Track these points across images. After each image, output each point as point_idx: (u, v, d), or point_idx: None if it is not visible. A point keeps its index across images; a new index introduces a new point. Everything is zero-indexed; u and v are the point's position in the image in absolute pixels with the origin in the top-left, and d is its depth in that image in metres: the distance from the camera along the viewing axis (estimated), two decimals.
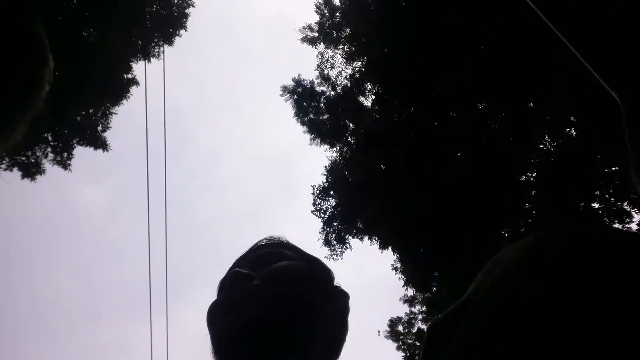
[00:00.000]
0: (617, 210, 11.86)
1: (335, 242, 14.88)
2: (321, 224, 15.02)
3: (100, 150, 14.49)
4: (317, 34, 15.39)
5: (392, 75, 12.25)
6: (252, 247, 1.07)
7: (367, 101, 14.81)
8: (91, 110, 14.28)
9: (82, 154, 14.44)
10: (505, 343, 0.46)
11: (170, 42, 14.82)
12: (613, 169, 11.38)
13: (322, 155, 22.17)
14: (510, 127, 11.38)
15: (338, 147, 15.22)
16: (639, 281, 0.45)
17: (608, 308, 0.43)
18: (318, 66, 15.53)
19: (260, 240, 1.08)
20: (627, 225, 11.70)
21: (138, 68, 14.83)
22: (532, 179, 12.81)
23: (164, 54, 13.21)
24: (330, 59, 15.42)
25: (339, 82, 15.29)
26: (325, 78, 15.36)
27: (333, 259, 14.80)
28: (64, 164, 14.08)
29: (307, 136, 15.44)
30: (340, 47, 15.20)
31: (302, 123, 15.30)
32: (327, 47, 15.35)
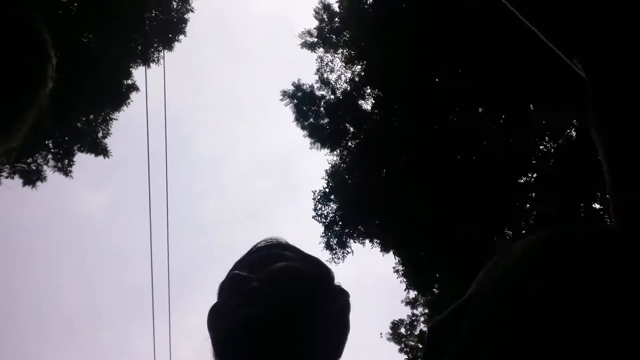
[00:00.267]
0: None
1: (336, 247, 14.85)
2: (322, 229, 15.00)
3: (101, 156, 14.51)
4: (316, 39, 15.41)
5: (392, 79, 12.26)
6: (251, 249, 1.07)
7: (367, 104, 14.84)
8: (91, 116, 14.28)
9: (82, 157, 14.41)
10: (507, 342, 0.47)
11: (170, 48, 14.85)
12: None
13: (323, 157, 22.14)
14: (510, 128, 11.39)
15: (338, 151, 15.22)
16: (639, 280, 0.45)
17: (610, 307, 0.43)
18: (317, 70, 15.54)
19: (259, 242, 1.08)
20: None
21: (137, 73, 14.86)
22: (532, 180, 12.81)
23: (164, 59, 13.23)
24: (329, 63, 15.45)
25: (338, 86, 15.30)
26: (324, 82, 15.37)
27: (335, 262, 14.78)
28: (65, 170, 14.08)
29: (308, 139, 15.46)
30: (340, 51, 15.23)
31: (303, 127, 15.30)
32: (326, 51, 15.38)
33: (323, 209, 15.05)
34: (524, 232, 12.30)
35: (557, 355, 0.43)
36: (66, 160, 14.04)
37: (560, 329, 0.43)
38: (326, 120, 15.17)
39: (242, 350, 0.83)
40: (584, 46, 0.88)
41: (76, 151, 14.24)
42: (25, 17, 0.76)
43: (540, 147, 12.65)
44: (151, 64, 14.48)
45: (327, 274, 1.04)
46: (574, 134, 11.77)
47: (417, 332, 17.46)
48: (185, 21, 15.16)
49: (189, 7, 15.23)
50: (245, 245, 1.10)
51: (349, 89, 15.02)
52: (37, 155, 13.61)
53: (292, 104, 15.38)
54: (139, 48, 14.49)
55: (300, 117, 15.30)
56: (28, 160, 13.45)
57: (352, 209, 14.25)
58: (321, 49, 15.42)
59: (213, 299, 0.97)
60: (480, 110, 12.46)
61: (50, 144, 13.84)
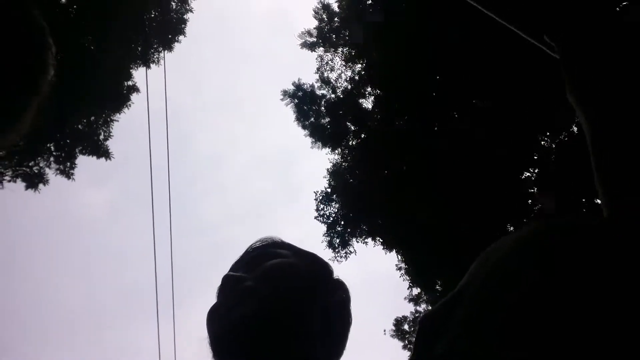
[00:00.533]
0: None
1: (339, 246, 14.84)
2: (325, 229, 14.98)
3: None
4: (316, 39, 15.40)
5: (392, 79, 12.25)
6: (247, 249, 1.07)
7: (368, 102, 14.83)
8: (92, 118, 14.29)
9: (84, 157, 14.42)
10: (499, 335, 0.46)
11: (169, 48, 14.85)
12: None
13: (324, 156, 22.10)
14: (511, 125, 11.38)
15: (339, 150, 15.21)
16: (635, 273, 0.45)
17: (605, 299, 0.43)
18: (318, 69, 15.52)
19: (255, 242, 1.08)
20: None
21: (137, 74, 14.85)
22: (533, 176, 12.80)
23: (164, 59, 13.23)
24: (329, 62, 15.44)
25: (339, 85, 15.29)
26: (325, 81, 15.36)
27: (337, 260, 14.77)
28: (67, 173, 14.10)
29: (309, 139, 15.45)
30: (340, 50, 15.22)
31: (303, 127, 15.28)
32: (326, 51, 15.37)
33: (325, 209, 15.04)
34: None
35: (550, 348, 0.43)
36: (68, 163, 14.06)
37: (552, 321, 0.44)
38: (327, 120, 15.15)
39: (239, 350, 0.83)
40: (555, 24, 0.92)
41: (78, 154, 14.25)
42: (22, 6, 0.76)
43: (542, 143, 12.64)
44: (151, 65, 14.50)
45: (325, 268, 1.03)
46: (575, 129, 11.75)
47: None
48: (184, 21, 15.16)
49: (188, 8, 15.24)
50: (248, 243, 1.10)
51: (349, 87, 15.00)
52: (39, 158, 13.63)
53: (292, 104, 15.38)
54: (139, 49, 14.49)
55: (301, 116, 15.28)
56: (30, 164, 13.47)
57: (354, 208, 14.23)
58: (321, 49, 15.42)
59: (214, 299, 0.98)
60: (480, 107, 12.45)
61: (52, 147, 13.86)
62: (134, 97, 14.63)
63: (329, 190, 14.99)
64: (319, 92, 15.40)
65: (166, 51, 14.60)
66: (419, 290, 16.06)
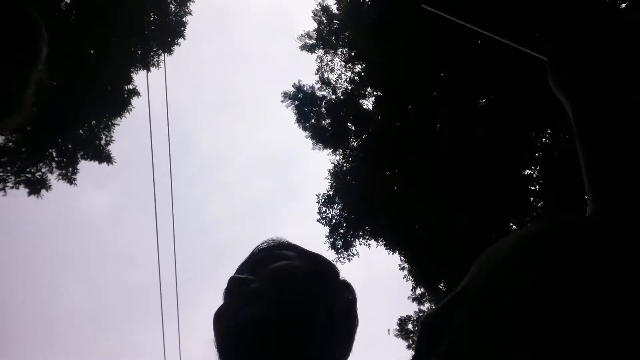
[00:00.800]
0: None
1: (342, 248, 14.83)
2: (327, 231, 14.97)
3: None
4: (315, 41, 15.41)
5: (392, 80, 12.24)
6: (253, 251, 1.07)
7: (369, 103, 14.83)
8: (93, 122, 14.32)
9: (85, 162, 14.45)
10: (500, 336, 0.46)
11: (169, 51, 14.86)
12: None
13: (326, 156, 22.07)
14: (512, 123, 11.36)
15: (341, 151, 15.22)
16: (636, 271, 0.44)
17: (607, 298, 0.43)
18: (318, 70, 15.52)
19: (260, 244, 1.08)
20: None
21: (137, 78, 14.87)
22: (535, 174, 12.78)
23: (164, 62, 13.24)
24: (329, 63, 15.45)
25: (339, 85, 15.28)
26: (325, 82, 15.36)
27: (340, 261, 14.75)
28: (69, 178, 14.12)
29: (310, 140, 15.46)
30: (340, 51, 15.23)
31: (304, 128, 15.28)
32: (326, 53, 15.38)
33: (327, 211, 15.03)
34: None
35: (552, 348, 0.42)
36: (70, 168, 14.08)
37: (554, 321, 0.43)
38: (328, 121, 15.15)
39: (245, 352, 0.83)
40: (547, 23, 0.95)
41: (80, 159, 14.28)
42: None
43: (544, 140, 12.63)
44: (151, 68, 14.52)
45: (330, 269, 1.03)
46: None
47: None
48: (184, 24, 15.18)
49: (187, 10, 15.25)
50: (252, 242, 1.10)
51: (349, 88, 15.01)
52: (41, 164, 13.65)
53: (293, 106, 15.40)
54: (139, 52, 14.51)
55: (302, 118, 15.28)
56: (32, 170, 13.49)
57: (356, 210, 14.22)
58: (321, 51, 15.43)
59: (220, 299, 0.98)
60: (480, 106, 12.45)
61: (54, 153, 13.88)
62: (134, 99, 14.67)
63: (330, 193, 14.98)
64: (319, 94, 15.41)
65: (166, 54, 14.63)
66: (422, 289, 16.06)
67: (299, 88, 15.45)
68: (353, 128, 14.90)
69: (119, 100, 14.33)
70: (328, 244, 14.86)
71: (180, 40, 15.01)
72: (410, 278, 14.97)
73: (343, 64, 15.18)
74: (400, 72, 11.85)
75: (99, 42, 13.12)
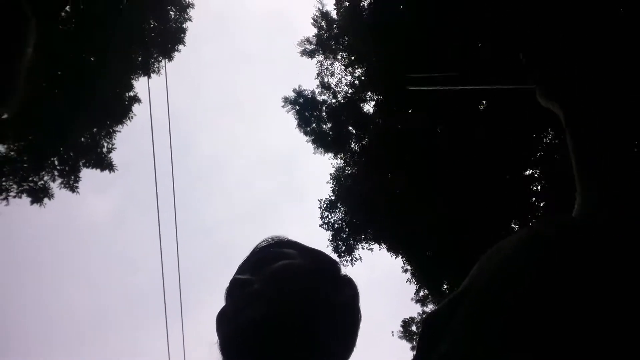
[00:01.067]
0: None
1: (344, 254, 14.79)
2: (330, 236, 14.93)
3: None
4: (315, 46, 15.43)
5: (392, 84, 12.25)
6: (254, 249, 1.07)
7: (369, 106, 14.83)
8: (95, 129, 14.33)
9: (87, 167, 14.46)
10: (500, 335, 0.46)
11: (170, 58, 14.88)
12: None
13: (327, 160, 22.09)
14: (513, 123, 11.36)
15: (342, 154, 15.21)
16: (635, 272, 0.44)
17: (606, 298, 0.43)
18: (318, 74, 15.52)
19: (261, 242, 1.07)
20: None
21: (137, 84, 14.88)
22: (536, 173, 12.77)
23: (165, 69, 13.27)
24: (329, 67, 15.46)
25: (339, 89, 15.28)
26: (325, 86, 15.36)
27: (343, 264, 14.64)
28: (72, 186, 14.13)
29: (311, 143, 15.46)
30: (340, 55, 15.24)
31: (305, 133, 15.28)
32: (326, 58, 15.40)
33: (330, 216, 15.00)
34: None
35: (551, 348, 0.42)
36: (72, 176, 14.09)
37: (554, 321, 0.43)
38: (329, 125, 15.15)
39: (247, 353, 0.84)
40: (529, 50, 1.04)
41: (81, 167, 14.29)
42: None
43: (545, 140, 12.61)
44: (152, 75, 14.53)
45: (332, 266, 1.03)
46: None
47: None
48: (184, 31, 15.20)
49: (187, 17, 15.28)
50: (254, 244, 1.10)
51: (350, 92, 15.01)
52: (43, 173, 13.67)
53: (294, 110, 15.41)
54: (139, 59, 14.53)
55: (303, 123, 15.27)
56: (35, 179, 13.51)
57: (358, 214, 14.19)
58: (321, 56, 15.45)
59: (223, 300, 0.98)
60: (480, 106, 12.46)
61: (56, 161, 13.90)
62: (135, 105, 14.69)
63: (332, 198, 14.96)
64: (319, 98, 15.40)
65: (166, 60, 14.65)
66: (426, 291, 16.03)
67: (299, 93, 15.46)
68: (354, 132, 14.90)
69: (120, 108, 14.35)
70: (331, 248, 14.83)
71: (180, 46, 15.06)
72: (413, 280, 14.95)
73: (343, 68, 15.19)
74: (401, 74, 11.85)
75: (100, 50, 13.15)
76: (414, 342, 17.46)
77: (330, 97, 15.31)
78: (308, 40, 15.47)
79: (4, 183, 13.00)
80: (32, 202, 13.59)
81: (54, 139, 13.17)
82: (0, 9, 0.78)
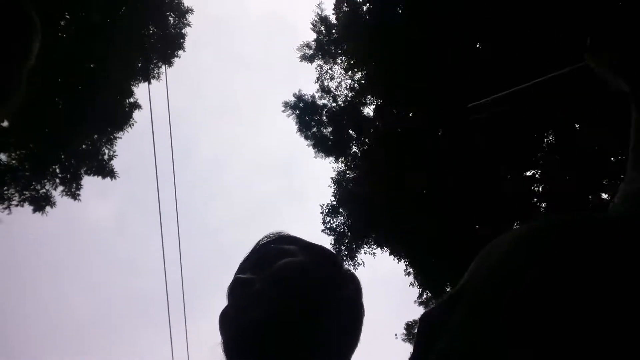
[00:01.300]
0: None
1: (347, 259, 14.77)
2: (332, 240, 14.92)
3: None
4: (314, 51, 15.47)
5: (393, 86, 12.27)
6: (254, 246, 1.06)
7: (369, 109, 14.85)
8: (95, 136, 14.36)
9: (88, 174, 14.50)
10: (501, 333, 0.46)
11: (169, 64, 14.91)
12: (620, 157, 11.33)
13: (328, 164, 22.12)
14: (514, 125, 11.36)
15: (343, 158, 15.23)
16: (636, 270, 0.44)
17: (607, 298, 0.43)
18: (318, 78, 15.56)
19: (261, 239, 1.07)
20: None
21: (137, 90, 14.91)
22: (537, 175, 12.77)
23: (165, 74, 13.29)
24: (329, 71, 15.50)
25: (339, 93, 15.32)
26: (325, 90, 15.40)
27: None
28: (73, 194, 14.16)
29: (312, 147, 15.48)
30: (339, 59, 15.27)
31: (306, 137, 15.31)
32: (325, 62, 15.44)
33: (332, 221, 14.99)
34: None
35: (551, 347, 0.42)
36: (74, 184, 14.12)
37: (553, 319, 0.43)
38: (329, 129, 15.18)
39: (249, 354, 0.83)
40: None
41: (83, 174, 14.31)
42: None
43: (545, 140, 12.62)
44: (152, 80, 14.56)
45: (334, 261, 1.02)
46: (576, 125, 11.73)
47: None
48: (183, 36, 15.23)
49: (186, 22, 15.31)
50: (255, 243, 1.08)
51: (350, 95, 15.05)
52: (44, 181, 13.70)
53: (294, 115, 15.44)
54: (139, 65, 14.56)
55: (303, 127, 15.31)
56: (37, 187, 13.53)
57: (360, 218, 14.19)
58: (320, 61, 15.49)
59: (225, 300, 0.98)
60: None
61: (57, 169, 13.92)
62: (136, 110, 14.73)
63: (334, 203, 14.95)
64: (319, 102, 15.44)
65: (166, 66, 14.68)
66: (429, 293, 16.01)
67: (299, 97, 15.50)
68: (355, 135, 14.92)
69: (121, 114, 14.38)
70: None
71: (180, 52, 15.10)
72: (416, 283, 14.95)
73: (343, 71, 15.23)
74: (401, 78, 11.88)
75: (100, 57, 13.18)
76: None
77: (331, 101, 15.35)
78: (307, 45, 15.52)
79: (5, 192, 13.02)
80: (34, 211, 13.62)
81: (55, 146, 13.20)
82: (3, 9, 0.78)
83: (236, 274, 1.00)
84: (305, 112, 15.33)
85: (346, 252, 14.74)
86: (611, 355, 0.40)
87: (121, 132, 14.66)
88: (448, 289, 13.90)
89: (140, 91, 15.28)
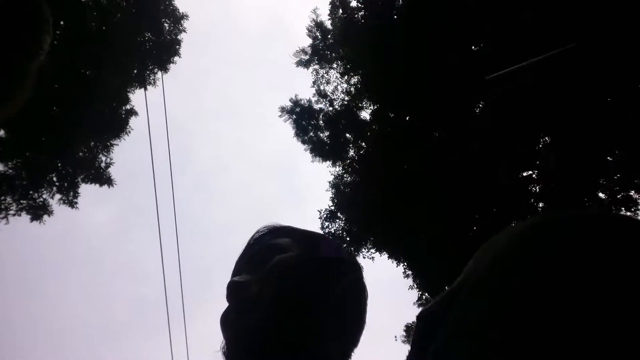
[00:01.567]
0: (623, 198, 11.76)
1: None
2: None
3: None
4: (310, 57, 15.51)
5: (388, 91, 12.30)
6: (249, 241, 1.03)
7: (366, 113, 14.87)
8: (92, 144, 14.35)
9: (85, 183, 14.48)
10: (500, 330, 0.45)
11: (165, 70, 14.92)
12: (617, 157, 11.36)
13: (326, 168, 22.15)
14: (511, 126, 11.38)
15: (340, 162, 15.24)
16: (634, 270, 0.43)
17: (607, 298, 0.42)
18: (314, 82, 15.59)
19: (255, 233, 1.04)
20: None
21: (134, 97, 14.92)
22: (534, 175, 12.78)
23: (162, 80, 13.28)
24: (325, 75, 15.53)
25: (335, 97, 15.35)
26: (322, 95, 15.42)
27: None
28: (71, 202, 14.13)
29: (309, 151, 15.49)
30: (335, 64, 15.31)
31: (303, 142, 15.34)
32: (321, 67, 15.47)
33: (330, 226, 14.97)
34: None
35: (547, 348, 0.42)
36: (71, 192, 14.09)
37: (553, 319, 0.42)
38: (326, 134, 15.20)
39: (249, 357, 0.82)
40: None
41: (80, 182, 14.29)
42: None
43: (542, 141, 12.64)
44: (148, 87, 14.56)
45: (331, 248, 0.99)
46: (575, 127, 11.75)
47: None
48: (178, 42, 15.25)
49: (181, 28, 15.33)
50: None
51: (346, 99, 15.07)
52: (41, 190, 13.67)
53: (291, 120, 15.46)
54: (135, 71, 14.57)
55: (300, 132, 15.33)
56: (34, 196, 13.51)
57: (358, 222, 14.18)
58: (317, 66, 15.53)
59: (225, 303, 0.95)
60: (478, 109, 12.49)
61: (55, 178, 13.90)
62: (132, 117, 14.73)
63: (332, 208, 14.93)
64: (316, 107, 15.48)
65: (162, 72, 14.69)
66: (427, 295, 16.00)
67: (296, 102, 15.52)
68: (352, 139, 14.94)
69: (117, 121, 14.37)
70: None
71: (176, 58, 15.12)
72: (415, 286, 14.94)
73: (339, 75, 15.26)
74: (397, 82, 11.90)
75: (95, 65, 13.18)
76: None
77: (327, 105, 15.38)
78: (303, 51, 15.57)
79: (3, 201, 12.99)
80: (32, 220, 13.60)
81: (52, 155, 13.19)
82: (16, 3, 0.77)
83: (232, 274, 0.99)
84: (302, 116, 15.36)
85: None
86: (610, 356, 0.40)
87: (118, 140, 14.65)
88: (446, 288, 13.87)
89: (137, 98, 15.27)
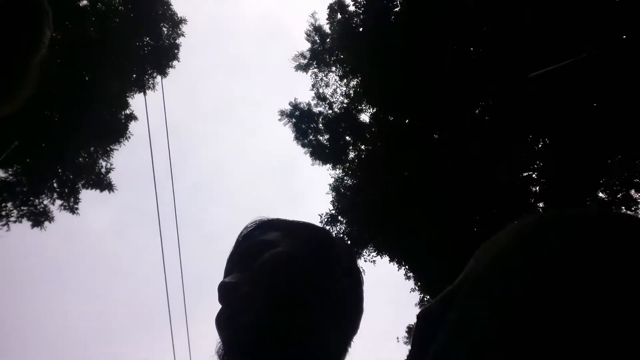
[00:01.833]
0: (624, 198, 11.76)
1: None
2: None
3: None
4: (309, 60, 15.52)
5: (387, 93, 12.30)
6: (238, 238, 1.01)
7: (366, 115, 14.87)
8: (92, 149, 14.34)
9: (86, 188, 14.47)
10: (500, 329, 0.46)
11: (164, 74, 14.91)
12: (618, 157, 11.35)
13: (326, 171, 22.12)
14: (510, 127, 11.38)
15: (340, 165, 15.23)
16: (634, 270, 0.43)
17: (605, 299, 0.42)
18: (313, 86, 15.61)
19: (243, 230, 1.03)
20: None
21: (132, 101, 14.91)
22: (534, 175, 12.78)
23: (161, 84, 13.29)
24: (324, 78, 15.54)
25: (334, 100, 15.36)
26: (321, 98, 15.43)
27: None
28: (72, 208, 14.11)
29: (309, 155, 15.48)
30: (334, 67, 15.32)
31: (303, 145, 15.33)
32: (320, 70, 15.48)
33: (331, 230, 14.93)
34: None
35: (550, 346, 0.42)
36: (72, 198, 14.08)
37: (552, 319, 0.42)
38: (326, 137, 15.19)
39: (245, 357, 0.81)
40: None
41: (81, 188, 14.27)
42: None
43: (541, 142, 12.63)
44: (147, 91, 14.56)
45: (323, 238, 0.98)
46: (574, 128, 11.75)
47: None
48: (177, 47, 15.24)
49: (179, 32, 15.33)
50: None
51: (345, 102, 15.08)
52: (42, 196, 13.66)
53: (290, 123, 15.46)
54: (134, 76, 14.56)
55: (300, 135, 15.32)
56: (35, 202, 13.50)
57: (359, 225, 14.16)
58: (315, 69, 15.55)
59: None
60: (477, 110, 12.49)
61: (55, 184, 13.89)
62: (132, 121, 14.73)
63: (333, 212, 14.91)
64: (315, 110, 15.48)
65: (162, 76, 14.68)
66: (428, 296, 15.97)
67: (295, 106, 15.52)
68: (351, 142, 14.94)
69: (117, 126, 14.37)
70: None
71: (175, 62, 15.13)
72: (416, 287, 14.92)
73: (338, 79, 15.27)
74: (395, 84, 11.90)
75: (94, 70, 13.18)
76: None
77: (326, 108, 15.39)
78: (302, 55, 15.59)
79: (3, 208, 12.98)
80: (33, 226, 13.58)
81: (52, 161, 13.18)
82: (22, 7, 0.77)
83: (224, 274, 0.98)
84: (301, 120, 15.35)
85: None
86: (609, 356, 0.40)
87: (118, 145, 14.65)
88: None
89: (136, 102, 15.27)
